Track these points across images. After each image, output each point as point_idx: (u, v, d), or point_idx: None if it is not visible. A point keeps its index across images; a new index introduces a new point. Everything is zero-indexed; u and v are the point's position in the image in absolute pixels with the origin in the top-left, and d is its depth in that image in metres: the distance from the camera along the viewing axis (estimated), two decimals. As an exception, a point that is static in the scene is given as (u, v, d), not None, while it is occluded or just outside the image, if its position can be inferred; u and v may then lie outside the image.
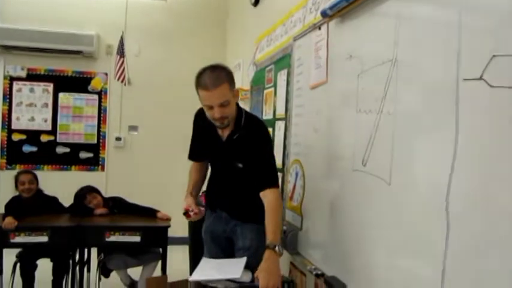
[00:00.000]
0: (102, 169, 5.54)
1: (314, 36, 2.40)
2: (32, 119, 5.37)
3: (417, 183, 1.46)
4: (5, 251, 3.29)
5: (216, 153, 2.29)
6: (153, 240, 3.45)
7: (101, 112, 5.54)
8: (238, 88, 2.15)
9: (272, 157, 2.17)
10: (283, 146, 2.85)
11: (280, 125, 2.95)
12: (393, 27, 1.63)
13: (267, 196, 2.05)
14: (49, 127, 5.41)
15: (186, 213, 2.20)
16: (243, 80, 4.19)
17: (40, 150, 5.38)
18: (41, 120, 5.39)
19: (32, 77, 5.36)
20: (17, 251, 3.43)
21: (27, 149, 5.36)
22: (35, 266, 3.40)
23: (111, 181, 5.39)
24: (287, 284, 2.07)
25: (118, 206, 3.72)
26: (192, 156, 2.46)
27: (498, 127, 1.12)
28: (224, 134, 2.19)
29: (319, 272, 2.13)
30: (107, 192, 4.26)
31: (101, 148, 5.54)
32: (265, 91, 3.35)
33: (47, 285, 3.41)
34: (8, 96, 5.31)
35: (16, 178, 3.60)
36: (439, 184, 1.31)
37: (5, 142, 5.31)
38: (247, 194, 2.19)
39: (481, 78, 1.17)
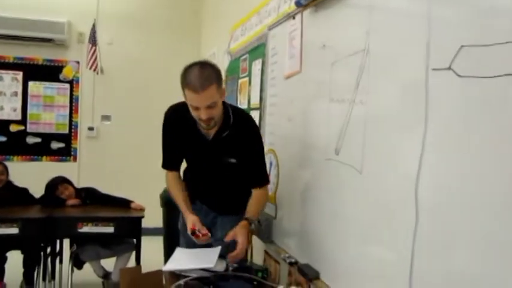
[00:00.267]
0: (75, 160, 5.45)
1: (288, 26, 2.40)
2: (1, 108, 5.23)
3: (388, 173, 1.49)
4: (-26, 243, 3.22)
5: (200, 153, 2.16)
6: (127, 230, 3.41)
7: (73, 101, 5.43)
8: (224, 86, 2.09)
9: (263, 153, 2.23)
10: (258, 136, 2.85)
11: (254, 115, 2.95)
12: (365, 17, 1.65)
13: (259, 190, 2.17)
14: (19, 116, 5.28)
15: (194, 234, 2.05)
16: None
17: (10, 141, 5.25)
18: (10, 110, 5.25)
19: (1, 65, 5.21)
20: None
21: (-4, 139, 5.23)
22: (5, 259, 3.33)
23: (84, 172, 5.31)
24: (261, 273, 2.08)
25: (91, 196, 3.67)
26: (169, 165, 2.25)
27: (466, 116, 1.15)
28: (210, 132, 2.09)
29: (293, 260, 2.16)
30: (80, 183, 4.20)
31: (72, 138, 5.45)
32: (240, 80, 3.34)
33: (18, 277, 3.35)
34: (-25, 85, 5.16)
35: (-15, 169, 3.51)
36: (409, 174, 1.34)
37: (-27, 132, 5.17)
38: (232, 188, 2.21)
39: (449, 68, 1.19)
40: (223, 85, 2.06)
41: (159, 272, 1.94)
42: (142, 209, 3.53)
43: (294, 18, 2.33)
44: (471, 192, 1.12)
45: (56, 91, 5.39)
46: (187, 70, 1.94)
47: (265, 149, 2.72)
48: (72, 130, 5.44)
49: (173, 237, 2.48)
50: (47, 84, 5.35)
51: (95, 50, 5.05)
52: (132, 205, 3.58)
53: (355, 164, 1.68)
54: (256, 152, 2.17)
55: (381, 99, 1.55)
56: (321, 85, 2.02)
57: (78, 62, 5.40)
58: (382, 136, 1.53)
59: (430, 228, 1.27)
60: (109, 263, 3.56)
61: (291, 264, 2.16)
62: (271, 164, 2.61)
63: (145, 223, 3.40)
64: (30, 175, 4.03)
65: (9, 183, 3.58)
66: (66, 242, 3.58)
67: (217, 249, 2.05)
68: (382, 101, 1.54)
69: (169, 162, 2.26)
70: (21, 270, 3.35)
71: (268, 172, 2.29)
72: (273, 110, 2.66)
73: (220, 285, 1.91)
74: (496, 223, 1.04)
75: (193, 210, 2.23)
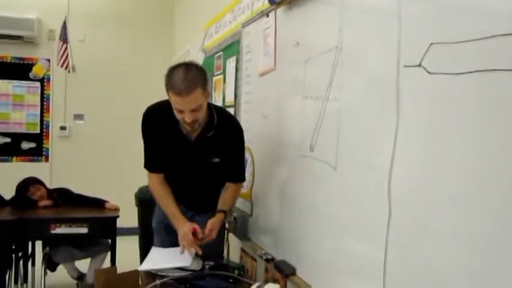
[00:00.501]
0: (46, 160, 5.33)
1: (262, 24, 2.40)
2: (-32, 107, 5.08)
3: (361, 168, 1.51)
4: None
5: (182, 153, 2.11)
6: (101, 231, 3.36)
7: (44, 100, 5.31)
8: (209, 89, 2.04)
9: (244, 152, 2.27)
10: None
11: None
12: (338, 14, 1.66)
13: (235, 185, 2.22)
14: (-13, 116, 5.14)
15: (194, 234, 2.00)
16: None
17: (-22, 141, 5.11)
18: (-23, 109, 5.11)
19: (-33, 63, 5.06)
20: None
21: (-37, 139, 5.07)
22: (-25, 262, 3.24)
23: (56, 172, 5.20)
24: (238, 270, 2.09)
25: (63, 197, 3.60)
26: (153, 166, 2.16)
27: (436, 112, 1.17)
28: (192, 133, 2.05)
29: (269, 257, 2.16)
30: (52, 184, 4.10)
31: (44, 138, 5.33)
32: (215, 78, 3.33)
33: (-11, 281, 3.27)
34: None
35: (-49, 170, 3.42)
36: (381, 169, 1.36)
37: None
38: (212, 187, 2.22)
39: (420, 65, 1.22)
40: (208, 87, 2.02)
41: (134, 272, 1.93)
42: (117, 209, 3.49)
43: (267, 16, 2.33)
44: (442, 185, 1.14)
45: (26, 90, 5.26)
46: (172, 72, 1.88)
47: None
48: (44, 130, 5.32)
49: (149, 236, 2.45)
50: (16, 82, 5.22)
51: (66, 48, 4.94)
52: (107, 205, 3.53)
53: (329, 160, 1.70)
54: (239, 150, 2.20)
55: (354, 95, 1.57)
56: (295, 82, 2.03)
57: (48, 60, 5.28)
58: (355, 132, 1.55)
59: (402, 221, 1.29)
60: (83, 265, 3.50)
61: (267, 260, 2.16)
62: (246, 161, 2.61)
63: (120, 223, 3.36)
64: (0, 176, 3.92)
65: (-22, 185, 3.48)
66: (39, 244, 3.51)
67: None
68: (355, 98, 1.56)
69: (153, 163, 2.17)
70: (-8, 273, 3.27)
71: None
72: (247, 108, 2.66)
73: (196, 284, 1.90)
74: (466, 214, 1.06)
75: None
